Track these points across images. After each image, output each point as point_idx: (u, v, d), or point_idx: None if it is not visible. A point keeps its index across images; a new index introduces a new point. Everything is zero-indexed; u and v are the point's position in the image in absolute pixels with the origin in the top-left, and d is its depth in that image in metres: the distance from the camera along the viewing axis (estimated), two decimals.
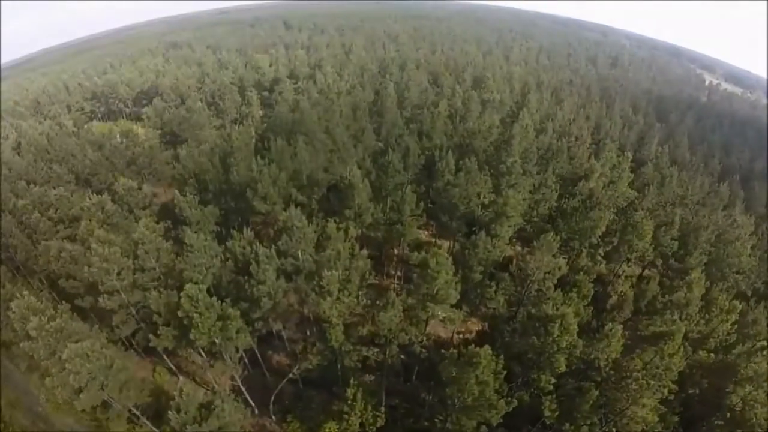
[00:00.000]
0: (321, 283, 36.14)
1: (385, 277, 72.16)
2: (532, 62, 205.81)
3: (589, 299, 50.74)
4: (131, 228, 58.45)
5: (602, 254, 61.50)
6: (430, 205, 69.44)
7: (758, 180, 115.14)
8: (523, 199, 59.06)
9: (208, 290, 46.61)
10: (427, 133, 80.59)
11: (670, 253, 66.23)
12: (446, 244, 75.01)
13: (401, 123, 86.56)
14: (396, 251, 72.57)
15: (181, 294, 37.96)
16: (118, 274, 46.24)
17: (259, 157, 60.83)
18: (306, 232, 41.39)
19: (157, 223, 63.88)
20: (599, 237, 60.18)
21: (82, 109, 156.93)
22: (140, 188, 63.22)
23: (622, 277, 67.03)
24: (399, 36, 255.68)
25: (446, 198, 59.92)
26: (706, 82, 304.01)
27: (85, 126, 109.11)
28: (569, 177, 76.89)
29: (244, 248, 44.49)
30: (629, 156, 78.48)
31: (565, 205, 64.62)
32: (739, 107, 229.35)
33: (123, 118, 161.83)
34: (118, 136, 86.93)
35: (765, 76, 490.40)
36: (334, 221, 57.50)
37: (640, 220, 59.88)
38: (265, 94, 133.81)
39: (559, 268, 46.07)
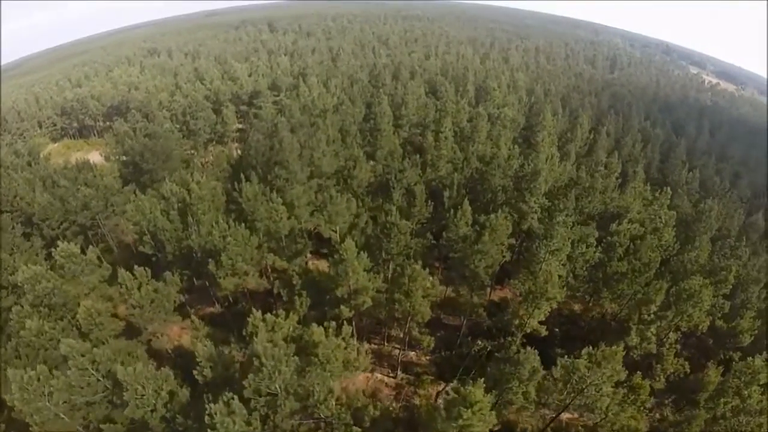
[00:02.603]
0: None
1: (386, 341, 60.80)
2: (532, 65, 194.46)
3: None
4: (75, 304, 47.22)
5: (654, 332, 49.42)
6: (433, 241, 58.58)
7: None
8: (563, 265, 47.73)
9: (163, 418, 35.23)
10: (432, 162, 68.87)
11: (719, 315, 55.32)
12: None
13: (399, 150, 74.97)
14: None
15: None
16: (50, 395, 34.66)
17: (221, 220, 48.48)
18: (281, 369, 29.41)
19: (111, 284, 53.03)
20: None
21: (54, 125, 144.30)
22: (84, 252, 51.23)
23: (666, 346, 55.21)
24: (389, 39, 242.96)
25: (463, 262, 48.37)
26: (705, 82, 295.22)
27: (42, 154, 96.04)
28: (598, 215, 66.03)
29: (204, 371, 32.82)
30: (668, 191, 67.49)
31: (606, 266, 53.29)
32: (746, 111, 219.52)
33: (95, 134, 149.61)
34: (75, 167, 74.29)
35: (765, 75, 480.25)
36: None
37: (698, 288, 47.63)
38: (244, 108, 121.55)
39: (618, 374, 34.92)
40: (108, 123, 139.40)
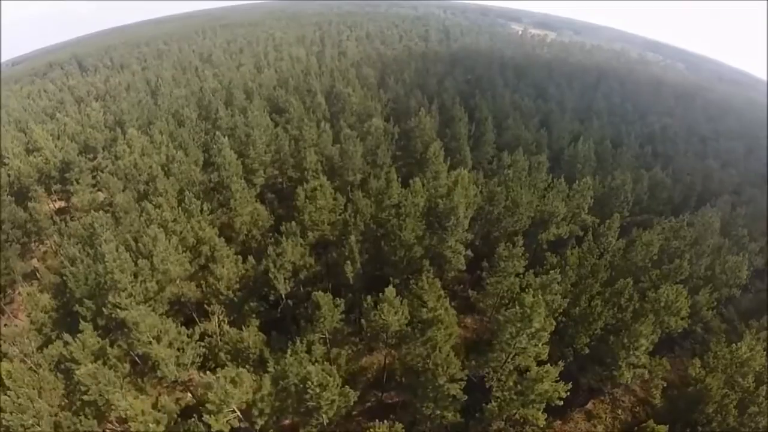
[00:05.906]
0: None
1: None
2: (373, 54, 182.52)
3: None
4: None
5: (645, 362, 41.47)
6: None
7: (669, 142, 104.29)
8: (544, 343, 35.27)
9: None
10: (311, 220, 51.75)
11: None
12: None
13: (263, 211, 57.88)
14: None
15: None
16: None
17: None
18: None
19: None
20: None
21: None
22: None
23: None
24: (213, 54, 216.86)
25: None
26: (533, 36, 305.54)
27: None
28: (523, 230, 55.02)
29: None
30: (588, 181, 58.07)
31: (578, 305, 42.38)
32: (580, 57, 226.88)
33: None
34: None
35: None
36: None
37: (674, 297, 41.09)
38: (58, 187, 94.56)
39: None
40: None
